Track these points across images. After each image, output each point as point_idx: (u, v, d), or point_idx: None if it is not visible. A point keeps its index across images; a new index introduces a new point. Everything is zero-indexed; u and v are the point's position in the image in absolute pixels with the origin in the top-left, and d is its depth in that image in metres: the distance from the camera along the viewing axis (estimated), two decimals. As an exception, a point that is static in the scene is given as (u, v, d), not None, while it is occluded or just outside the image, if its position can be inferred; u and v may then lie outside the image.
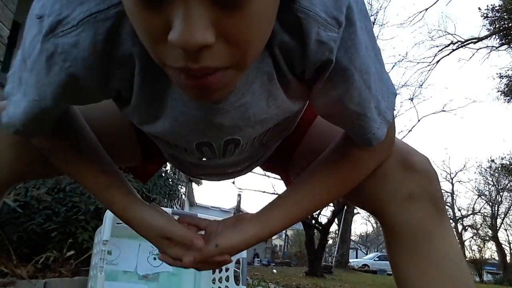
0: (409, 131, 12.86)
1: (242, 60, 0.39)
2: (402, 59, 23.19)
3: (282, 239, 27.11)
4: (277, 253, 24.46)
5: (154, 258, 2.02)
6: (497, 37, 14.49)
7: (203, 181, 12.33)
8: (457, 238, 0.71)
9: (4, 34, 3.07)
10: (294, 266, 16.69)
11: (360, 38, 0.47)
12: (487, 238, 27.38)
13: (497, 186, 25.36)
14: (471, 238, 28.66)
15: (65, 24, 0.42)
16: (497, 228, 25.67)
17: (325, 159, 0.64)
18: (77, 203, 2.56)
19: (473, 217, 27.51)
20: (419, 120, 18.32)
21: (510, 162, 19.58)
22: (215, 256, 0.57)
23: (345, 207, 11.13)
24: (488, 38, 14.71)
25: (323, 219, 10.07)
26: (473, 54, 16.38)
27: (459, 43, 15.46)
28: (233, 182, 10.31)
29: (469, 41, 15.41)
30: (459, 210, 27.52)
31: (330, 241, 23.28)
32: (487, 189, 26.20)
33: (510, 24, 13.66)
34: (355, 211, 16.12)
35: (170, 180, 4.40)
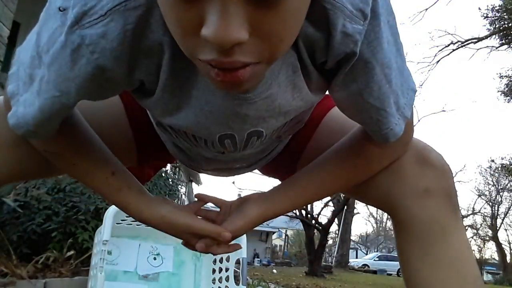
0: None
1: (273, 56, 0.39)
2: (402, 59, 23.18)
3: (282, 239, 27.14)
4: (277, 253, 24.49)
5: (154, 258, 2.02)
6: (497, 37, 14.49)
7: (203, 180, 12.35)
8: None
9: (4, 34, 3.08)
10: (294, 266, 16.71)
11: (384, 32, 0.46)
12: (487, 238, 27.47)
13: (497, 186, 25.42)
14: (471, 238, 28.62)
15: (92, 14, 0.41)
16: (497, 228, 25.73)
17: (337, 150, 0.64)
18: (77, 203, 2.56)
19: (473, 217, 27.61)
20: (419, 120, 18.32)
21: (510, 162, 19.55)
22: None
23: (345, 207, 11.13)
24: (488, 38, 14.70)
25: (323, 219, 10.07)
26: (473, 54, 16.40)
27: (459, 43, 15.44)
28: (233, 182, 10.33)
29: (469, 41, 15.39)
30: (459, 210, 27.49)
31: (330, 241, 23.30)
32: (487, 189, 26.30)
33: (510, 24, 13.66)
34: (355, 211, 16.14)
35: (170, 180, 4.41)
